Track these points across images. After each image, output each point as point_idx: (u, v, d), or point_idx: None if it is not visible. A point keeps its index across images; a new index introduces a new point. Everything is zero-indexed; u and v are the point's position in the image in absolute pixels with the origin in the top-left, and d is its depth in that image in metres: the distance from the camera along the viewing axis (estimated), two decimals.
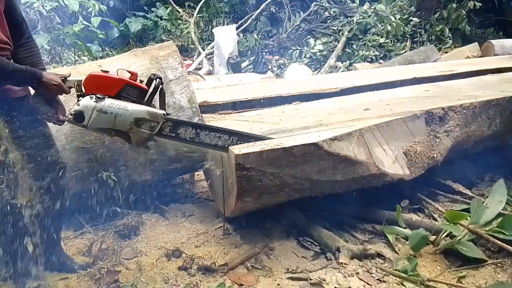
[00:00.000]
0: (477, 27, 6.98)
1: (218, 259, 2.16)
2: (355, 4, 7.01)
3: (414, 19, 6.35)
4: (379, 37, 6.07)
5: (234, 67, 6.15)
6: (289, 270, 2.08)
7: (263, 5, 7.58)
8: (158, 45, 2.84)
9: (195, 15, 7.81)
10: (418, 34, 6.26)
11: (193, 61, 6.81)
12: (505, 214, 2.31)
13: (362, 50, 5.96)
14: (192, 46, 7.54)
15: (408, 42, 6.15)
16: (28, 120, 1.80)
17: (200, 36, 7.68)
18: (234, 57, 6.27)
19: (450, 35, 6.31)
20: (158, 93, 1.88)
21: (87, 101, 1.77)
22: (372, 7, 6.49)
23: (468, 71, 3.91)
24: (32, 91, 1.80)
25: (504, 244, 2.10)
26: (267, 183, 2.10)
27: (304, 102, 2.99)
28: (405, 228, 2.35)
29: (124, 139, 1.91)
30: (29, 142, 1.82)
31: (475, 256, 2.07)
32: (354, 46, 6.16)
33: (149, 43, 7.81)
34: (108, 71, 1.86)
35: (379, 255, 2.20)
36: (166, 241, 2.33)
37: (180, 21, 8.22)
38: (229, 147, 2.06)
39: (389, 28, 6.09)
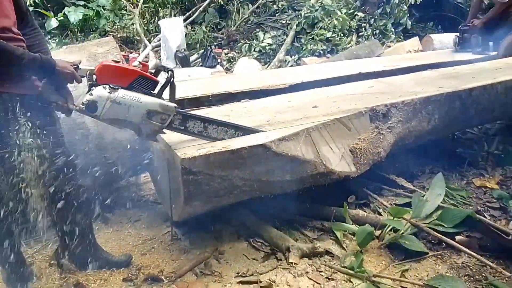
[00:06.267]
0: (417, 22, 7.30)
1: (166, 267, 2.09)
2: None
3: (359, 13, 6.52)
4: (326, 31, 6.16)
5: (182, 60, 5.98)
6: (240, 274, 2.05)
7: None
8: (96, 40, 2.69)
9: (140, 5, 7.50)
10: (363, 29, 6.44)
11: (139, 54, 6.54)
12: (444, 207, 2.42)
13: (310, 44, 6.03)
14: (137, 38, 7.25)
15: (354, 36, 6.31)
16: (44, 118, 1.79)
17: (146, 28, 7.39)
18: (182, 50, 6.09)
19: (393, 30, 6.55)
20: (169, 85, 1.88)
21: (101, 91, 1.73)
22: (319, 1, 6.57)
23: (410, 66, 4.08)
24: None
25: (443, 237, 2.21)
26: (216, 186, 2.05)
27: (253, 100, 2.96)
28: (352, 224, 2.40)
29: (134, 131, 1.91)
30: (43, 139, 1.78)
31: (417, 249, 2.16)
32: (303, 40, 6.21)
33: (91, 34, 7.41)
34: (119, 61, 1.82)
35: (328, 252, 2.23)
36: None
37: (124, 12, 7.87)
38: (174, 151, 1.99)
39: (335, 22, 6.20)
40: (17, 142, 1.69)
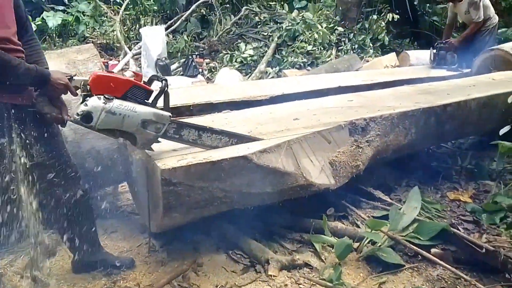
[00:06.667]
0: (395, 38, 7.52)
1: (143, 280, 2.05)
2: (284, 11, 7.16)
3: (339, 28, 6.67)
4: (307, 44, 6.27)
5: (163, 69, 5.95)
6: (218, 287, 2.03)
7: (194, 6, 7.45)
8: (76, 47, 2.65)
9: (121, 12, 7.44)
10: (343, 43, 6.58)
11: (119, 61, 6.48)
12: (420, 220, 2.47)
13: (291, 57, 6.11)
14: (117, 45, 7.18)
15: (333, 50, 6.43)
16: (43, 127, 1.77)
17: (126, 35, 7.33)
18: (163, 58, 6.07)
19: (371, 45, 6.72)
20: (163, 95, 1.91)
21: (96, 102, 1.73)
22: (300, 15, 6.68)
23: (387, 81, 4.18)
24: None
25: (419, 249, 2.25)
26: (196, 197, 2.03)
27: (234, 111, 2.96)
28: (331, 236, 2.42)
29: (129, 141, 1.90)
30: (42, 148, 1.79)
31: (394, 261, 2.20)
32: (284, 52, 6.29)
33: (70, 40, 7.30)
34: (113, 71, 1.80)
35: (307, 264, 2.23)
36: None
37: (105, 18, 7.79)
38: (154, 161, 1.96)
39: (316, 36, 6.31)
40: (12, 150, 1.69)
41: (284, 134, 2.39)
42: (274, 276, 2.11)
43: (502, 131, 3.03)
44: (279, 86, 3.70)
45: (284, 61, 6.15)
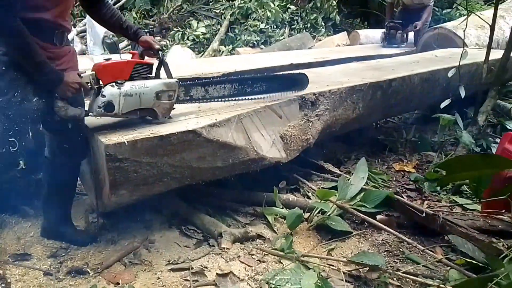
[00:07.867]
0: (346, 17, 7.65)
1: (92, 259, 1.99)
2: None
3: (292, 7, 6.68)
4: (260, 22, 6.23)
5: (110, 47, 5.66)
6: (170, 262, 2.01)
7: None
8: None
9: None
10: (295, 22, 6.61)
11: None
12: (366, 189, 2.58)
13: (244, 35, 6.06)
14: None
15: (286, 28, 6.44)
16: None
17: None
18: (110, 36, 5.77)
19: (323, 24, 6.80)
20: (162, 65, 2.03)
21: (112, 90, 1.84)
22: None
23: (338, 58, 4.27)
24: None
25: (365, 217, 2.35)
26: (144, 174, 1.98)
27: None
28: (282, 208, 2.47)
29: (150, 116, 2.01)
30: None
31: (342, 229, 2.28)
32: (237, 31, 6.22)
33: None
34: (110, 58, 1.93)
35: (260, 236, 2.27)
36: (29, 245, 2.06)
37: None
38: (98, 137, 1.89)
39: (268, 14, 6.28)
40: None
41: (235, 109, 2.38)
42: (227, 248, 2.12)
43: (443, 105, 3.22)
44: (232, 63, 3.67)
45: (237, 39, 6.09)
